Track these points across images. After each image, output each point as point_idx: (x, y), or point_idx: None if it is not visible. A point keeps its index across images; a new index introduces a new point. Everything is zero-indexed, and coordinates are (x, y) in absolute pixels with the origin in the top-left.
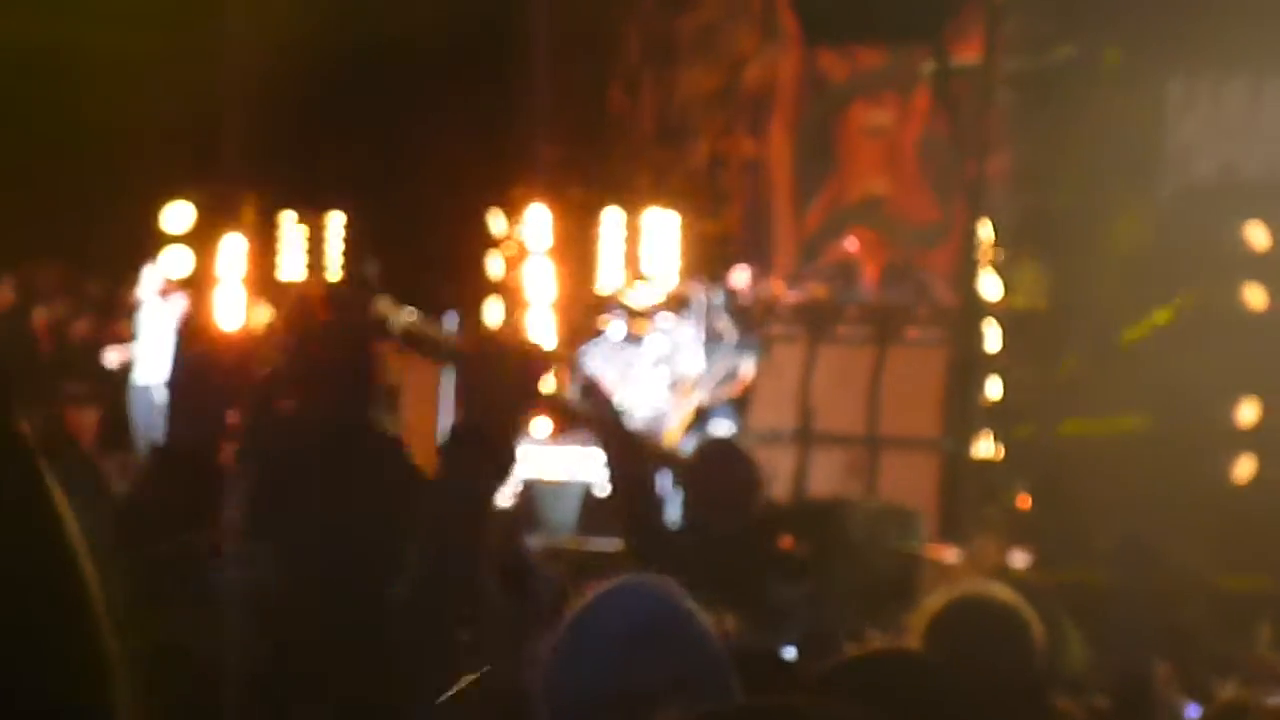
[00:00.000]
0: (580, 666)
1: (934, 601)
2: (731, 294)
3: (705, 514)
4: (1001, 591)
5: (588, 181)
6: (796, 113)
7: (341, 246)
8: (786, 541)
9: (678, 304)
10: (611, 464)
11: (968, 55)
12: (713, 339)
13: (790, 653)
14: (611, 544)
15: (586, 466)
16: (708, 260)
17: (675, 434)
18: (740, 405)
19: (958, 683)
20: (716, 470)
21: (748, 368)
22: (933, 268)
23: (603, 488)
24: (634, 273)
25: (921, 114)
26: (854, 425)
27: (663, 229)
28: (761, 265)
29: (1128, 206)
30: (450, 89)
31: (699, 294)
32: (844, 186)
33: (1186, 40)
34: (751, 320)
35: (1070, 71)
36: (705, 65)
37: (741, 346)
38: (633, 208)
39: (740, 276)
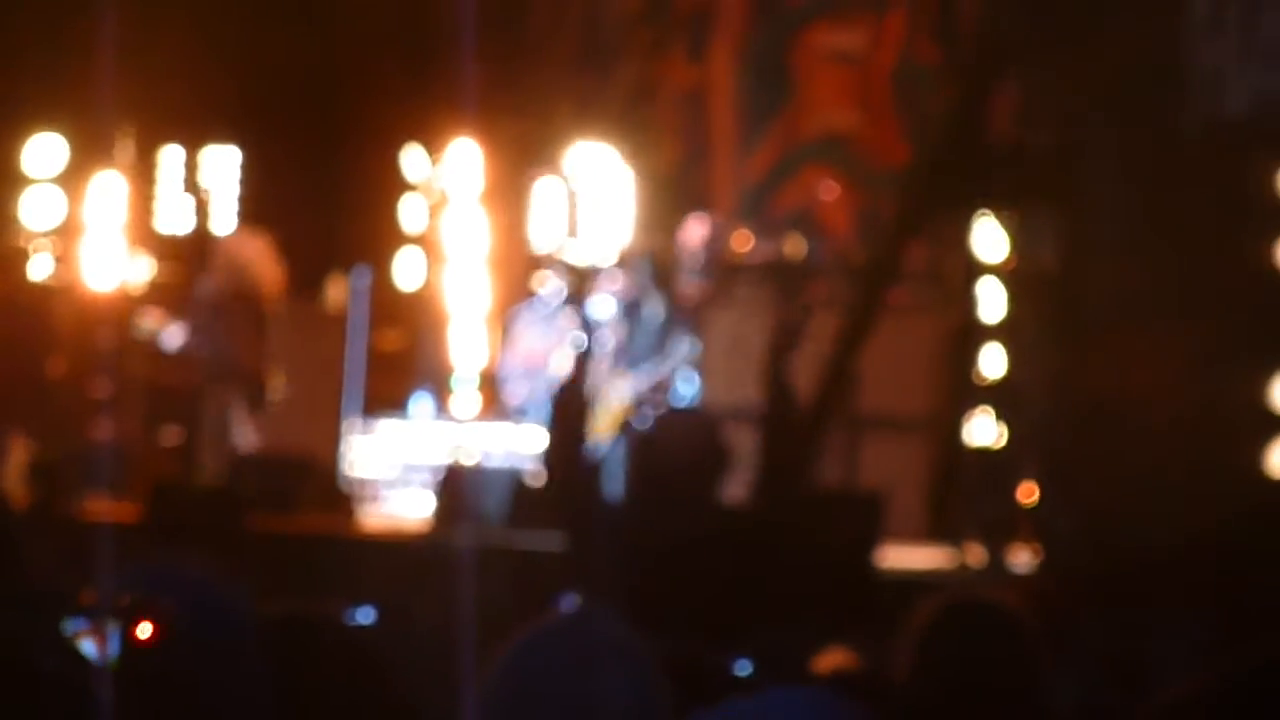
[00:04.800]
0: (515, 712)
1: (922, 612)
2: (684, 250)
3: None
4: (997, 597)
5: (518, 114)
6: (745, 34)
7: (232, 188)
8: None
9: (629, 261)
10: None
11: None
12: (650, 304)
13: (745, 668)
14: (547, 541)
15: (519, 449)
16: (655, 209)
17: (624, 410)
18: (702, 377)
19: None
20: (673, 448)
21: (699, 337)
22: None
23: (537, 475)
24: (577, 223)
25: (897, 37)
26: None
27: (610, 172)
28: (698, 213)
29: (1148, 147)
30: (360, 8)
31: (640, 250)
32: (800, 121)
33: None
34: (710, 280)
35: None
36: None
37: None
38: (569, 146)
39: (695, 229)
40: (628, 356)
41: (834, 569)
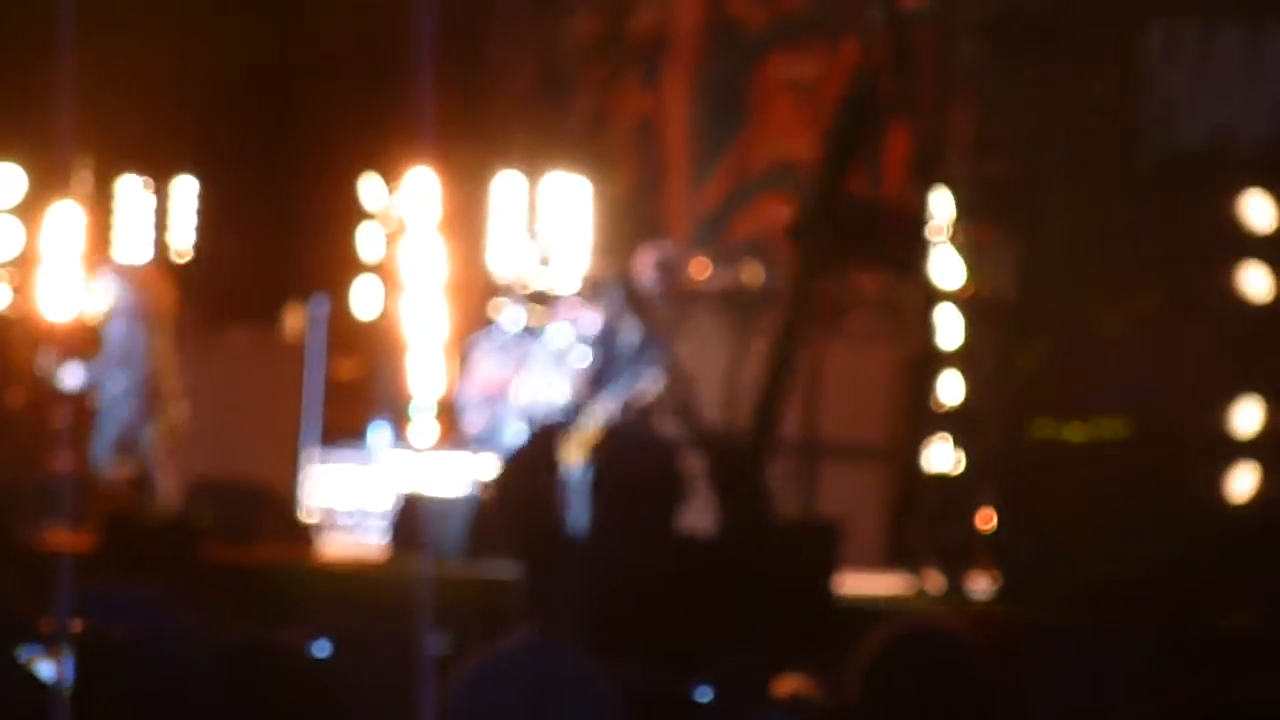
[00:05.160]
0: None
1: (871, 640)
2: (641, 276)
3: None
4: (948, 625)
5: (474, 142)
6: (698, 63)
7: (191, 218)
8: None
9: (587, 288)
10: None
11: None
12: (623, 329)
13: (706, 695)
14: (504, 569)
15: (476, 478)
16: (614, 236)
17: (584, 438)
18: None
19: None
20: (631, 471)
21: (662, 364)
22: None
23: (494, 503)
24: (534, 251)
25: (850, 66)
26: (789, 429)
27: (569, 198)
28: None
29: (1104, 175)
30: (316, 37)
31: (610, 276)
32: (753, 150)
33: None
34: (667, 308)
35: (1038, 17)
36: (586, 9)
37: (653, 339)
38: (532, 173)
39: (649, 256)
40: (600, 381)
41: (792, 596)
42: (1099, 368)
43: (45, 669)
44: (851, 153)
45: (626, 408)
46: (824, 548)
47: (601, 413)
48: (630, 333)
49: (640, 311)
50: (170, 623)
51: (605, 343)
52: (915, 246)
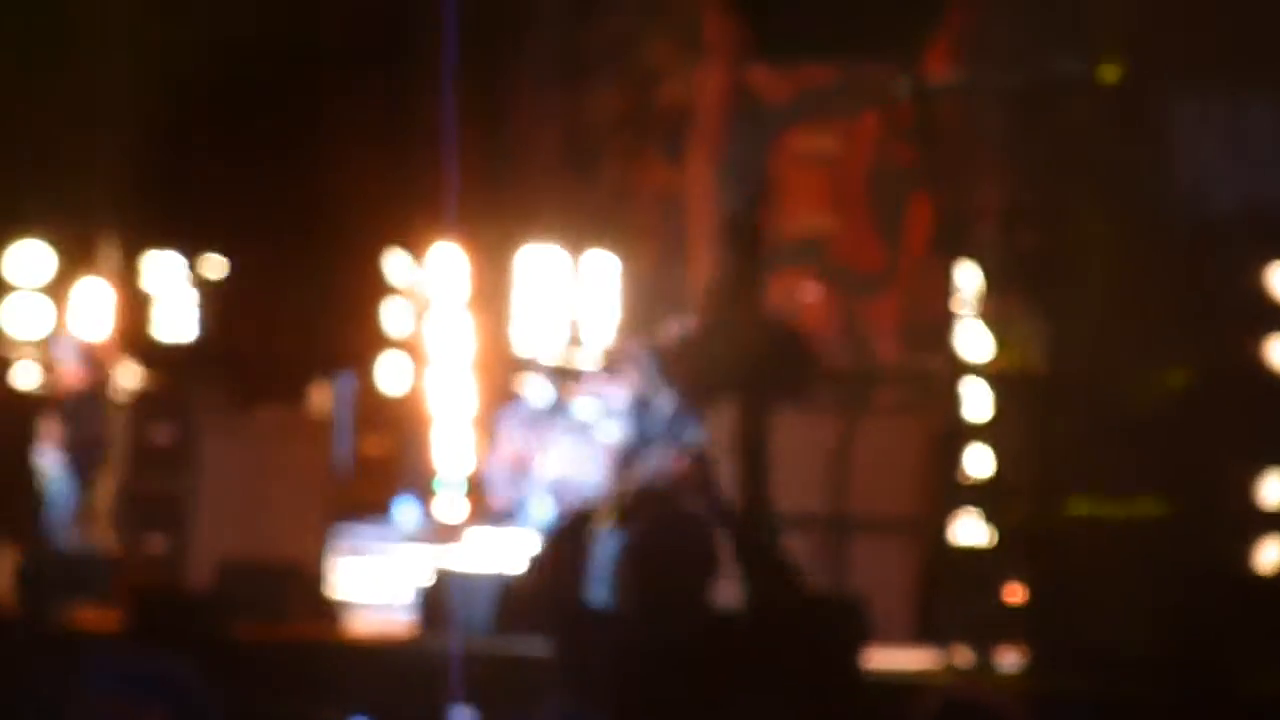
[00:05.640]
0: None
1: (919, 709)
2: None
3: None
4: (992, 697)
5: (499, 216)
6: (721, 137)
7: (217, 295)
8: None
9: (613, 363)
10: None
11: (936, 70)
12: (652, 404)
13: None
14: (533, 645)
15: (504, 553)
16: (639, 310)
17: (611, 513)
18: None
19: None
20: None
21: (694, 437)
22: (876, 319)
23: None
24: (562, 326)
25: (872, 140)
26: (817, 504)
27: (594, 272)
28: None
29: (1135, 246)
30: (341, 110)
31: (638, 351)
32: (777, 224)
33: (1200, 53)
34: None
35: (1068, 89)
36: (612, 83)
37: (684, 414)
38: (558, 247)
39: (675, 330)
40: (630, 454)
41: (821, 672)
42: (1129, 441)
43: None
44: (745, 276)
45: (656, 481)
46: (852, 623)
47: (631, 486)
48: (663, 404)
49: (675, 379)
50: (201, 699)
51: (636, 415)
52: (807, 375)
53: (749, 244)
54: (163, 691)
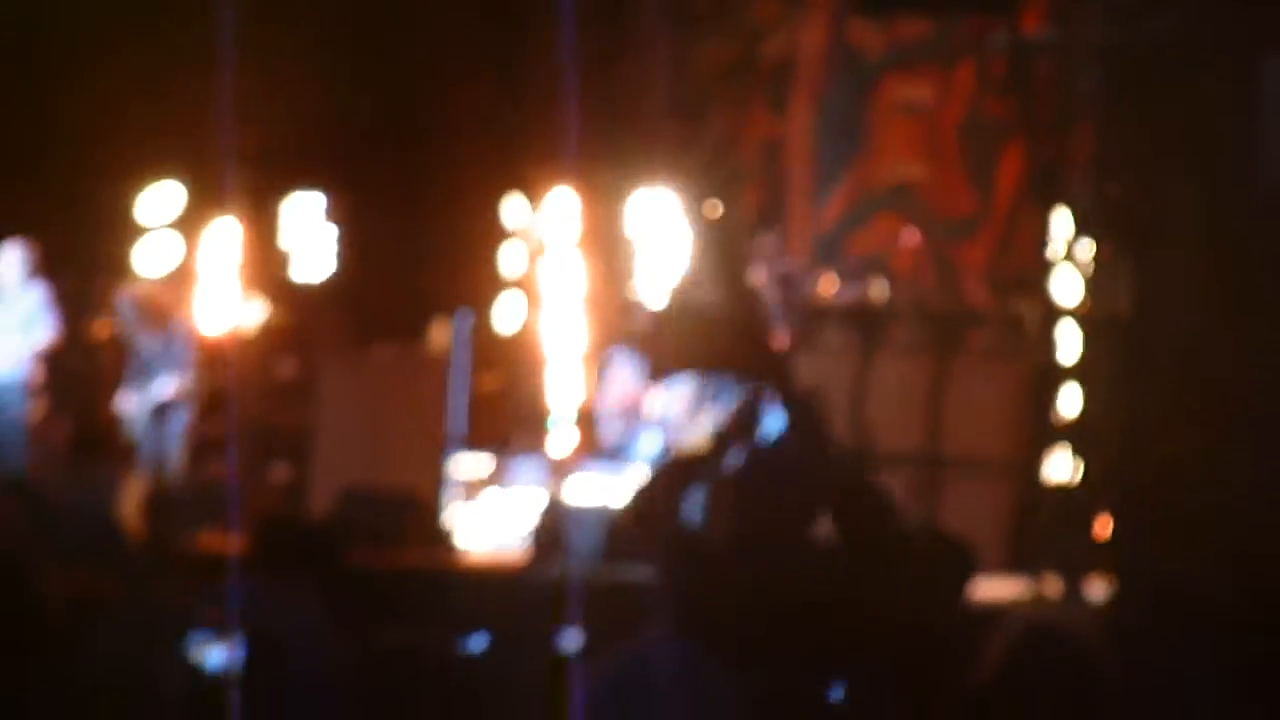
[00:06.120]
0: None
1: (1000, 637)
2: (781, 289)
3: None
4: (1070, 624)
5: (612, 162)
6: (821, 87)
7: (342, 236)
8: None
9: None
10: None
11: (1030, 25)
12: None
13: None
14: (639, 573)
15: (613, 486)
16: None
17: (706, 442)
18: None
19: None
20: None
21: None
22: (966, 264)
23: (631, 509)
24: (669, 268)
25: (965, 91)
26: (913, 444)
27: (697, 216)
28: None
29: (1220, 198)
30: (465, 59)
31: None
32: (872, 171)
33: None
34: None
35: (1160, 47)
36: (721, 35)
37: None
38: (665, 191)
39: (770, 271)
40: (708, 394)
41: (925, 602)
42: (1214, 385)
43: (210, 661)
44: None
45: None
46: (959, 558)
47: (711, 422)
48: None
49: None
50: (321, 621)
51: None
52: (761, 355)
53: (726, 231)
54: (285, 612)
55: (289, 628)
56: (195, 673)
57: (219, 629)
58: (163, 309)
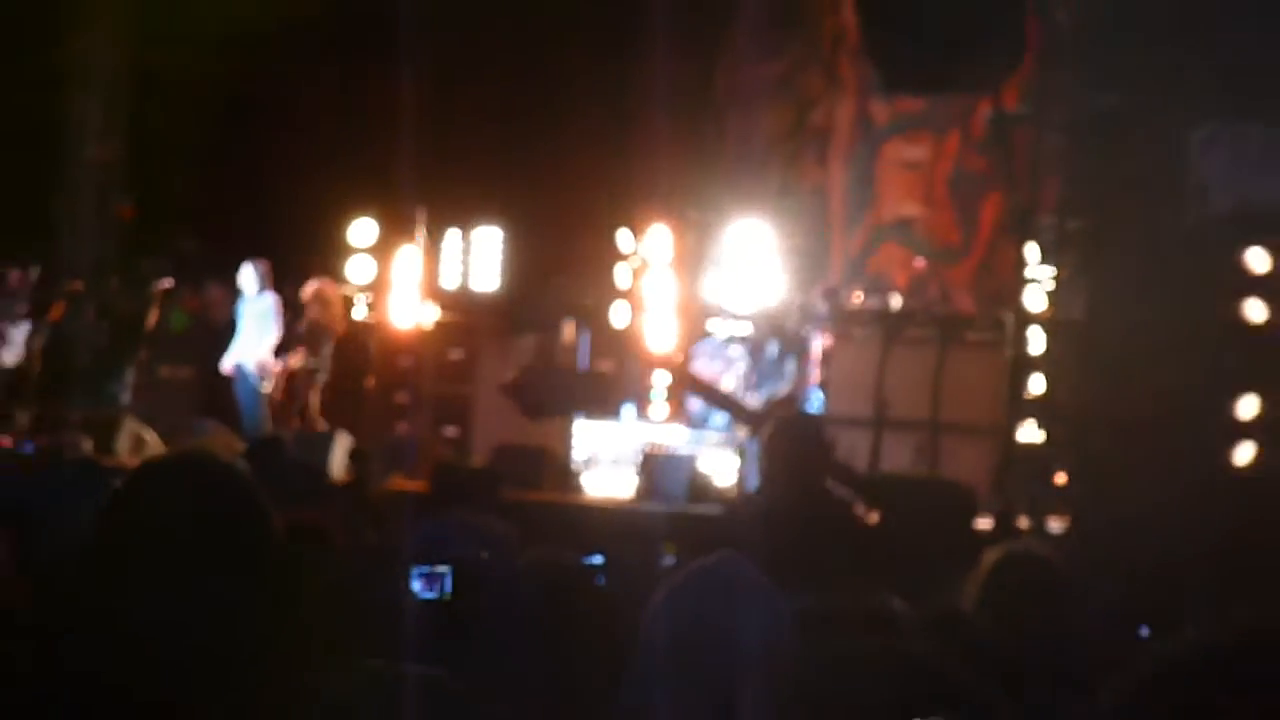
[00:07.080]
0: (679, 624)
1: (985, 560)
2: (827, 300)
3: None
4: (1039, 550)
5: (696, 204)
6: (849, 148)
7: (496, 257)
8: (862, 510)
9: (775, 311)
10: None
11: (1008, 101)
12: (778, 342)
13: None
14: (712, 509)
15: (694, 444)
16: (793, 274)
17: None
18: (827, 395)
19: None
20: (787, 444)
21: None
22: (957, 281)
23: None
24: (743, 284)
25: (953, 152)
26: (920, 413)
27: (762, 244)
28: (820, 277)
29: (1154, 233)
30: (583, 128)
31: (796, 303)
32: (882, 211)
33: (1209, 92)
34: (833, 326)
35: (1111, 117)
36: (781, 106)
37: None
38: (736, 225)
39: (821, 287)
40: (754, 380)
41: (943, 532)
42: (1146, 372)
43: (418, 586)
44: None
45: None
46: (966, 499)
47: (758, 400)
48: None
49: (780, 330)
50: (494, 541)
51: (755, 354)
52: (598, 399)
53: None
54: (462, 537)
55: (480, 554)
56: (413, 597)
57: (427, 558)
58: (339, 304)
